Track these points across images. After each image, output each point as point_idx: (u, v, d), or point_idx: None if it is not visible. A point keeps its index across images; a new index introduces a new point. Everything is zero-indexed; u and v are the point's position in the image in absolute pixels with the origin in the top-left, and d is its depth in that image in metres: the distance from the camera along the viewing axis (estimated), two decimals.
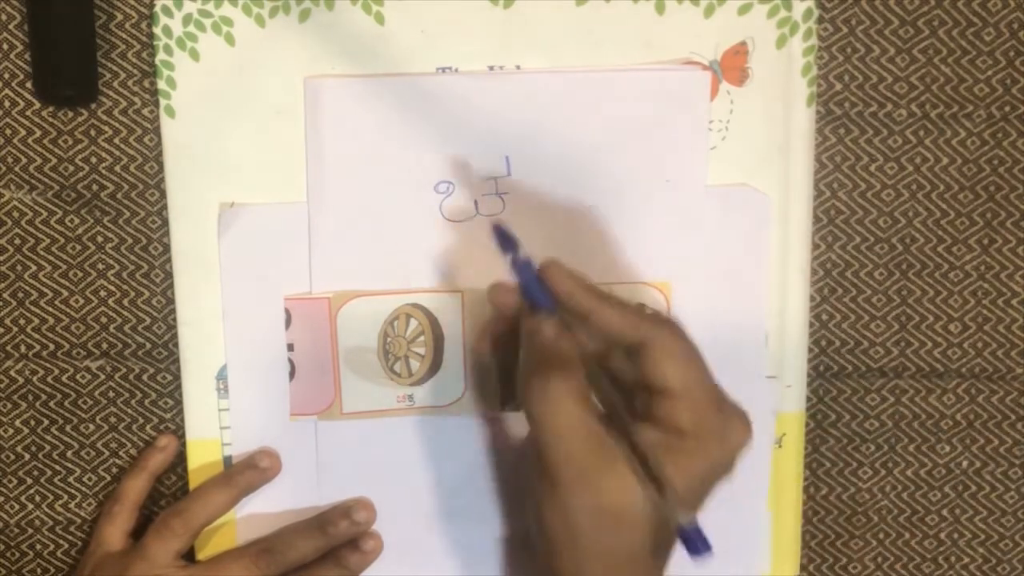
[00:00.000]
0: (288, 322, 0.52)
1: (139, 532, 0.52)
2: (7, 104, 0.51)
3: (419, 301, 0.52)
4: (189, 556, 0.53)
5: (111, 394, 0.53)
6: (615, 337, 0.43)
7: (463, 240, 0.52)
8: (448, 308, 0.52)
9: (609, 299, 0.44)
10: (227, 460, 0.53)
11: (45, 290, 0.52)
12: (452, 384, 0.53)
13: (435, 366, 0.53)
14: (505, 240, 0.45)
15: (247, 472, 0.52)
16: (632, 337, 0.43)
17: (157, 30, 0.50)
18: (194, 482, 0.53)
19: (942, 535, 0.57)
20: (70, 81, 0.50)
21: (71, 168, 0.51)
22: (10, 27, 0.50)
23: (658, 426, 0.42)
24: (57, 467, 0.54)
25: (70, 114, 0.51)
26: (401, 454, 0.53)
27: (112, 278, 0.52)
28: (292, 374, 0.52)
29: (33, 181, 0.51)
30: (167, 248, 0.52)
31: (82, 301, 0.52)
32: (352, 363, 0.52)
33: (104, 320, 0.53)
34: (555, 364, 0.42)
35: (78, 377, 0.53)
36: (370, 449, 0.53)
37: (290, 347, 0.52)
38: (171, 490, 0.54)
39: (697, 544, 0.41)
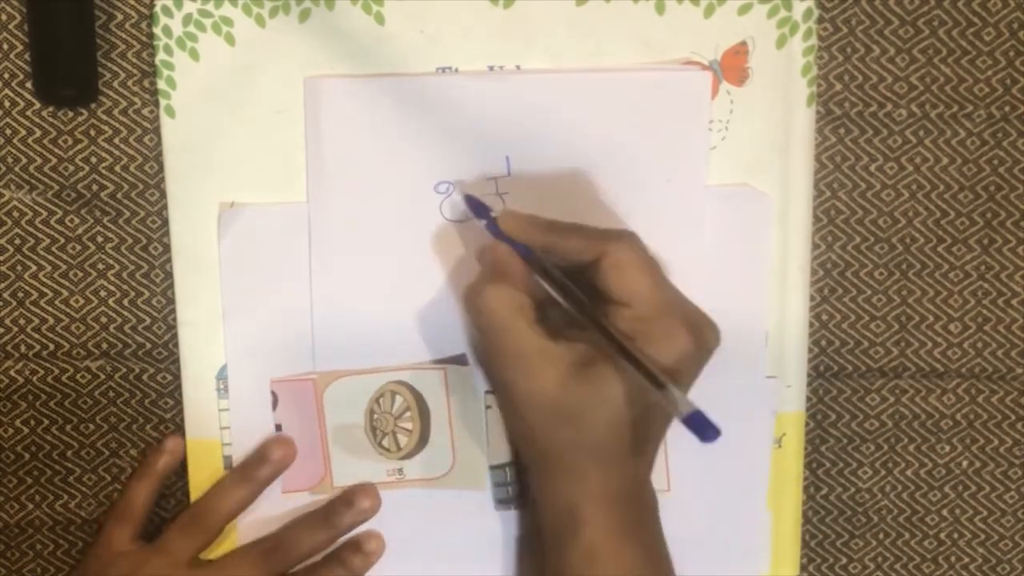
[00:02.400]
0: (275, 404, 0.52)
1: (143, 535, 0.52)
2: (7, 104, 0.50)
3: (403, 378, 0.52)
4: None
5: (111, 394, 0.53)
6: (576, 260, 0.47)
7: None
8: (432, 384, 0.52)
9: (562, 228, 0.48)
10: (227, 460, 0.53)
11: (45, 290, 0.52)
12: (440, 458, 0.53)
13: (423, 440, 0.53)
14: (478, 207, 0.50)
15: (262, 466, 0.52)
16: (589, 255, 0.46)
17: (157, 30, 0.50)
18: (194, 482, 0.53)
19: (942, 535, 0.57)
20: (70, 81, 0.50)
21: (71, 168, 0.51)
22: (10, 27, 0.50)
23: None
24: (57, 467, 0.54)
25: (70, 114, 0.51)
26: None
27: (112, 278, 0.52)
28: None
29: (33, 181, 0.51)
30: (167, 248, 0.52)
31: (82, 301, 0.52)
32: (340, 440, 0.52)
33: (104, 320, 0.53)
34: (496, 278, 0.47)
35: (78, 377, 0.53)
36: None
37: (278, 427, 0.52)
38: (171, 489, 0.54)
39: (705, 429, 0.41)
